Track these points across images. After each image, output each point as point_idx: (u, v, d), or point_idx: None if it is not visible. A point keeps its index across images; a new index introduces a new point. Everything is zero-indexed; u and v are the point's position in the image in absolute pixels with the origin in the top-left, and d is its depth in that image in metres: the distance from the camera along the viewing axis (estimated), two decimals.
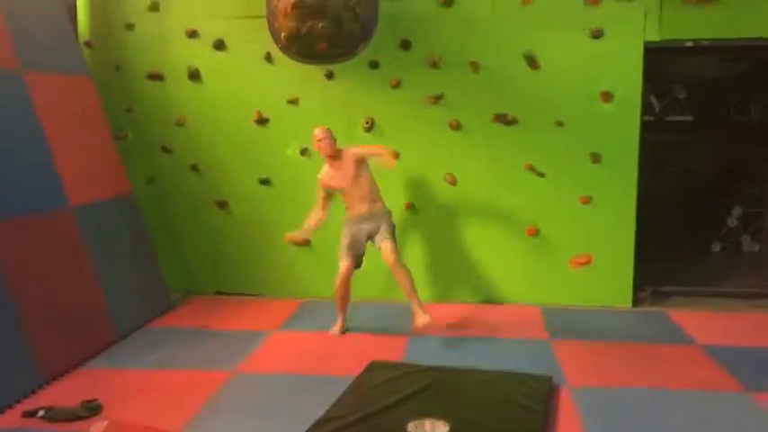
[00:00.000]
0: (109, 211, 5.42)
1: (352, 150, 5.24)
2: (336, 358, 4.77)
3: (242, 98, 6.12)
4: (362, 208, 5.20)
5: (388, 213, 5.32)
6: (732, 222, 7.83)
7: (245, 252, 6.31)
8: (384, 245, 5.12)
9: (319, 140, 5.18)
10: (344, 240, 5.22)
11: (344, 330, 5.27)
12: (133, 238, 5.68)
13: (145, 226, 5.87)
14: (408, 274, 5.10)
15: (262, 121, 6.12)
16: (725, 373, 4.43)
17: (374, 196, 5.26)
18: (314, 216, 5.31)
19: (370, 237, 5.22)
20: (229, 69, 6.12)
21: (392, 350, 4.86)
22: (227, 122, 6.17)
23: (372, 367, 4.43)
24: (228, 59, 6.12)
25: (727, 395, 4.12)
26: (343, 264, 5.16)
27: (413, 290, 5.07)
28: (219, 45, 6.10)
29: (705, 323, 5.47)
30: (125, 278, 5.38)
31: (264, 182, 6.18)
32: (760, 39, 5.62)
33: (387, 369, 4.40)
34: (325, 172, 5.27)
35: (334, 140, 5.22)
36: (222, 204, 6.26)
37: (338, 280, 5.15)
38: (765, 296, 6.09)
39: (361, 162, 5.18)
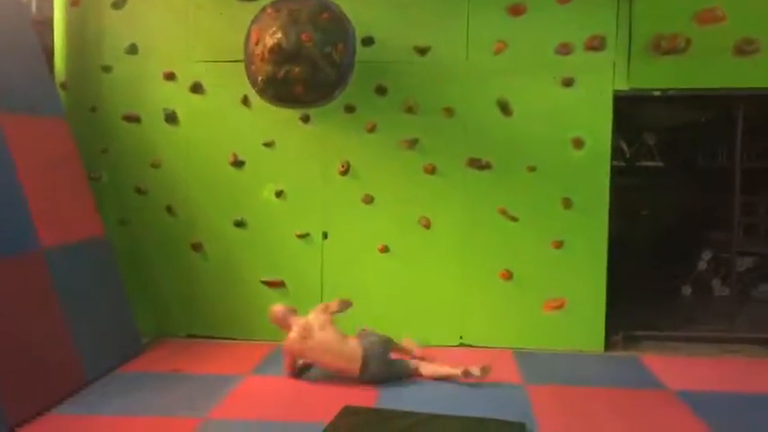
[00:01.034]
0: (81, 253, 5.36)
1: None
2: (309, 404, 4.72)
3: (218, 141, 6.15)
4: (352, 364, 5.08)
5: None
6: (702, 266, 7.95)
7: (219, 294, 6.27)
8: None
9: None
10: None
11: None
12: (105, 281, 5.61)
13: (117, 268, 5.81)
14: None
15: (237, 164, 6.14)
16: (697, 419, 4.46)
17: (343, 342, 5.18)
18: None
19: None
20: (206, 112, 6.16)
21: (365, 395, 4.83)
22: (203, 164, 6.19)
23: (345, 413, 4.40)
24: (205, 102, 6.17)
25: None
26: None
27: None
28: (197, 88, 6.15)
29: (677, 368, 5.50)
30: (95, 321, 5.30)
31: (239, 224, 6.18)
32: (724, 88, 5.80)
33: (360, 414, 4.37)
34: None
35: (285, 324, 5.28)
36: (196, 246, 6.24)
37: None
38: (736, 341, 6.15)
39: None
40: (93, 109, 6.27)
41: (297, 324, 5.13)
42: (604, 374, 5.37)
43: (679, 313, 7.07)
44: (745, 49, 5.59)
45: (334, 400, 4.65)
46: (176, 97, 6.18)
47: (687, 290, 7.94)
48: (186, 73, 6.16)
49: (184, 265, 6.27)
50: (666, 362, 5.65)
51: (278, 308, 5.34)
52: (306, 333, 5.06)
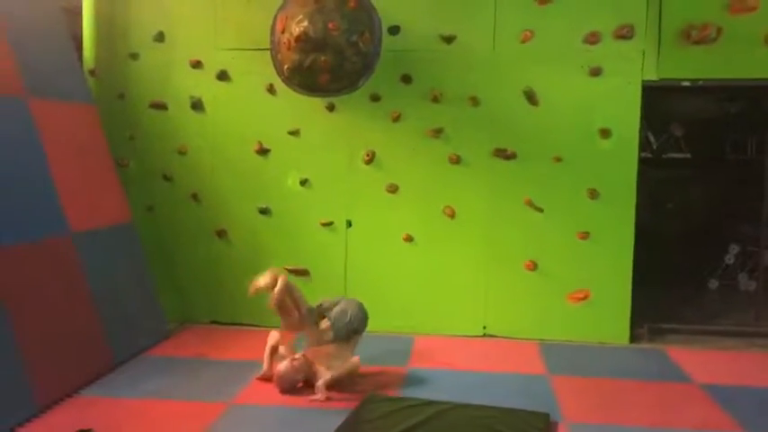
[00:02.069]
0: (108, 239, 5.42)
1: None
2: (334, 390, 4.73)
3: (243, 128, 6.17)
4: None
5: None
6: (729, 260, 7.86)
7: (243, 281, 6.24)
8: None
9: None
10: None
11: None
12: (131, 267, 5.68)
13: (143, 254, 5.87)
14: None
15: (263, 152, 6.17)
16: (723, 412, 4.41)
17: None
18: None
19: None
20: (232, 100, 6.19)
21: (390, 383, 4.84)
22: (228, 152, 6.22)
23: (370, 400, 4.41)
24: (231, 90, 6.19)
25: None
26: None
27: None
28: (223, 76, 6.17)
29: (702, 361, 5.46)
30: (122, 306, 5.36)
31: (264, 211, 6.20)
32: (754, 79, 5.71)
33: (384, 402, 4.38)
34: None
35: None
36: (221, 233, 6.28)
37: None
38: (762, 335, 6.09)
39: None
40: (121, 96, 6.32)
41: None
42: (629, 366, 5.33)
43: (705, 306, 7.00)
44: None
45: (359, 386, 4.67)
46: (202, 85, 6.21)
47: (714, 283, 7.86)
48: (212, 61, 6.18)
49: (209, 251, 6.31)
50: (692, 355, 5.60)
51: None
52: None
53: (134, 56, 6.29)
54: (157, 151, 6.31)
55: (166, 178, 6.31)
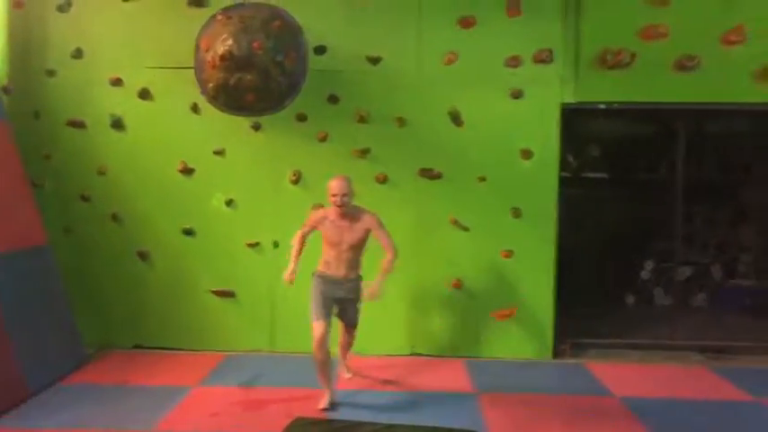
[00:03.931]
0: (23, 262, 5.20)
1: (373, 220, 4.89)
2: (259, 415, 4.66)
3: (166, 148, 6.05)
4: (341, 271, 4.90)
5: (361, 284, 5.00)
6: (645, 276, 8.16)
7: (166, 304, 6.15)
8: (349, 330, 5.17)
9: (335, 196, 4.78)
10: (315, 298, 4.88)
11: (333, 403, 4.78)
12: (47, 290, 5.45)
13: (60, 277, 5.65)
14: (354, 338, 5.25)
15: (187, 172, 6.05)
16: (641, 424, 4.56)
17: (357, 264, 4.99)
18: (295, 251, 4.97)
19: (339, 303, 4.97)
20: (154, 119, 6.06)
21: (317, 405, 4.79)
22: (151, 172, 6.08)
23: (297, 424, 4.36)
24: (154, 109, 6.06)
25: None
26: (317, 326, 4.77)
27: (349, 348, 5.32)
28: (145, 94, 6.04)
29: (622, 375, 5.63)
30: (37, 332, 5.14)
31: (188, 232, 6.08)
32: (665, 102, 5.98)
33: (311, 425, 4.33)
34: (325, 217, 4.90)
35: (352, 196, 4.85)
36: (143, 255, 6.11)
37: (314, 345, 4.72)
38: (677, 348, 6.33)
39: (368, 233, 4.89)
40: (37, 114, 6.10)
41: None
42: (553, 382, 5.46)
43: (623, 321, 7.23)
44: (686, 64, 5.78)
45: (285, 410, 4.61)
46: (123, 103, 6.06)
47: (631, 299, 8.13)
48: (134, 79, 6.05)
49: (131, 274, 6.13)
50: (611, 369, 5.77)
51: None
52: None
53: (50, 72, 6.09)
54: (75, 171, 6.11)
55: (84, 199, 6.11)
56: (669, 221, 6.60)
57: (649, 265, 8.12)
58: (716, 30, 5.79)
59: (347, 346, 5.32)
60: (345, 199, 4.78)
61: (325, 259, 4.95)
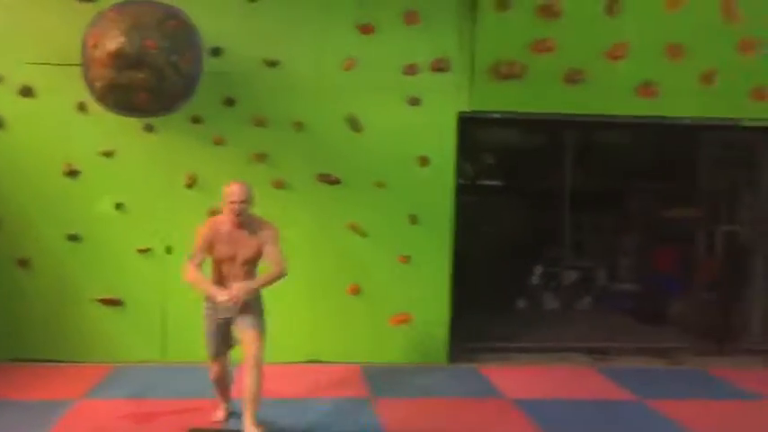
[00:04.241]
0: None
1: (270, 234, 4.38)
2: (150, 428, 4.48)
3: (50, 149, 5.73)
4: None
5: (259, 298, 4.45)
6: (535, 280, 8.45)
7: (48, 314, 5.82)
8: (248, 333, 4.31)
9: (233, 203, 4.27)
10: (208, 332, 4.41)
11: (229, 413, 4.62)
12: None
13: None
14: (261, 380, 4.28)
15: (72, 174, 5.76)
16: (532, 424, 4.71)
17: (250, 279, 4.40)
18: (200, 279, 4.32)
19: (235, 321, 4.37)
20: (37, 118, 5.73)
21: (208, 417, 4.65)
22: (33, 174, 5.74)
23: None
24: (36, 107, 5.73)
25: None
26: (213, 367, 4.47)
27: (256, 399, 4.28)
28: (26, 92, 5.71)
29: (513, 377, 5.79)
30: None
31: (73, 238, 5.78)
32: (555, 114, 6.22)
33: None
34: (216, 229, 4.35)
35: (251, 204, 4.39)
36: (23, 262, 5.76)
37: (210, 377, 4.52)
38: (563, 350, 6.58)
39: (263, 247, 4.36)
40: None
41: None
42: (448, 386, 5.55)
43: (514, 325, 7.45)
44: (574, 77, 6.04)
45: (178, 423, 4.46)
46: (3, 101, 5.70)
47: (522, 302, 8.39)
48: (15, 75, 5.69)
49: (9, 282, 5.77)
50: (503, 372, 5.93)
51: None
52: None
53: None
54: None
55: None
56: (557, 228, 6.87)
57: (538, 269, 8.42)
58: (601, 45, 6.07)
59: (253, 394, 4.28)
60: (244, 206, 4.31)
61: (216, 281, 4.37)
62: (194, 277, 4.29)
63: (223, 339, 4.41)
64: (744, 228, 7.12)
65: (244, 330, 4.34)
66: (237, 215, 4.31)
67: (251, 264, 4.41)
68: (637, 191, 8.65)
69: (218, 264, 4.39)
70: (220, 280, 4.37)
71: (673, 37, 6.08)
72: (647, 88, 6.07)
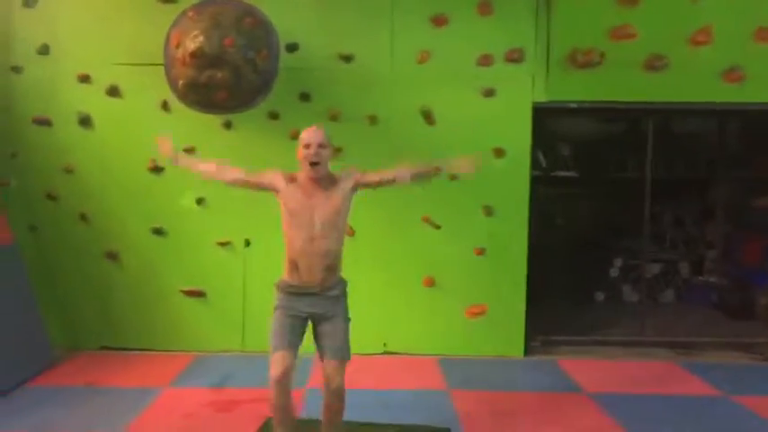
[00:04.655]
0: None
1: (354, 170, 3.74)
2: (232, 416, 4.62)
3: (136, 146, 5.95)
4: (315, 275, 3.59)
5: (345, 291, 3.76)
6: (614, 273, 8.26)
7: (135, 304, 6.07)
8: (332, 364, 3.58)
9: (308, 146, 3.55)
10: (275, 320, 3.62)
11: None
12: (14, 290, 5.35)
13: (27, 277, 5.55)
14: (342, 406, 3.66)
15: (156, 170, 5.97)
16: (610, 419, 4.62)
17: (338, 262, 3.69)
18: (211, 166, 3.88)
19: (314, 321, 3.68)
20: (123, 116, 5.97)
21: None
22: (119, 170, 5.99)
23: (269, 424, 4.32)
24: (122, 106, 5.97)
25: None
26: (275, 360, 3.49)
27: (337, 426, 3.72)
28: (113, 91, 5.95)
29: (591, 371, 5.69)
30: (4, 333, 5.04)
31: (158, 232, 6.00)
32: (634, 102, 6.05)
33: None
34: (291, 179, 3.67)
35: (331, 154, 3.68)
36: (112, 255, 6.02)
37: (271, 385, 3.48)
38: (644, 344, 6.41)
39: (350, 199, 3.67)
40: (2, 111, 5.97)
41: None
42: (525, 379, 5.51)
43: (592, 318, 7.31)
44: (655, 64, 5.85)
45: (257, 411, 4.58)
46: (91, 100, 5.96)
47: (600, 296, 8.22)
48: (102, 75, 5.95)
49: (98, 274, 6.04)
50: (581, 365, 5.83)
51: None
52: None
53: (16, 69, 5.96)
54: (41, 169, 5.99)
55: (51, 197, 6.00)
56: (637, 220, 6.68)
57: (618, 262, 8.22)
58: (684, 30, 5.87)
59: (333, 420, 3.69)
60: (321, 151, 3.52)
61: (291, 257, 3.61)
62: (205, 166, 3.86)
63: (294, 331, 3.61)
64: None
65: (326, 352, 3.63)
66: (314, 163, 3.52)
67: (334, 231, 3.61)
68: (720, 179, 8.33)
69: (290, 232, 3.61)
70: (294, 259, 3.60)
71: (761, 20, 5.82)
72: (732, 73, 5.84)
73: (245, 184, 3.81)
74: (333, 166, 3.82)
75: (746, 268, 7.84)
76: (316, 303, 3.63)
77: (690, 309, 7.85)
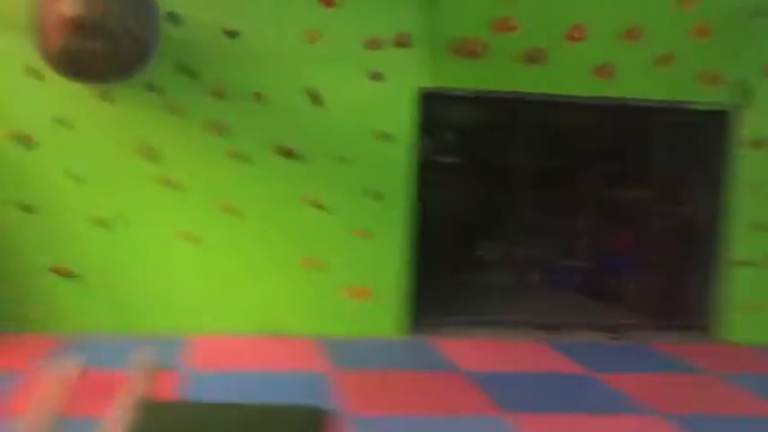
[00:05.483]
0: None
1: None
2: (100, 399, 4.44)
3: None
4: None
5: None
6: (490, 256, 8.57)
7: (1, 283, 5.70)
8: None
9: None
10: None
11: None
12: None
13: None
14: None
15: (23, 142, 5.60)
16: (486, 397, 4.82)
17: None
18: None
19: None
20: None
21: (166, 387, 4.63)
22: None
23: (143, 406, 4.19)
24: None
25: (488, 418, 4.48)
26: None
27: None
28: None
29: (468, 351, 5.89)
30: None
31: (25, 208, 5.65)
32: (515, 92, 6.28)
33: (158, 408, 4.18)
34: None
35: None
36: None
37: None
38: (518, 324, 6.71)
39: None
40: None
41: None
42: (404, 359, 5.64)
43: (472, 301, 7.54)
44: (534, 57, 6.09)
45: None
46: None
47: (477, 278, 8.50)
48: None
49: None
50: (459, 345, 6.03)
51: None
52: None
53: None
54: None
55: None
56: (512, 206, 6.95)
57: (494, 245, 8.53)
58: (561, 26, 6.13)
59: None
60: None
61: None
62: None
63: None
64: (693, 209, 7.29)
65: None
66: None
67: None
68: (591, 171, 8.79)
69: None
70: None
71: (632, 20, 6.17)
72: (603, 69, 6.17)
73: None
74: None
75: (614, 256, 8.34)
76: None
77: (557, 293, 8.27)
